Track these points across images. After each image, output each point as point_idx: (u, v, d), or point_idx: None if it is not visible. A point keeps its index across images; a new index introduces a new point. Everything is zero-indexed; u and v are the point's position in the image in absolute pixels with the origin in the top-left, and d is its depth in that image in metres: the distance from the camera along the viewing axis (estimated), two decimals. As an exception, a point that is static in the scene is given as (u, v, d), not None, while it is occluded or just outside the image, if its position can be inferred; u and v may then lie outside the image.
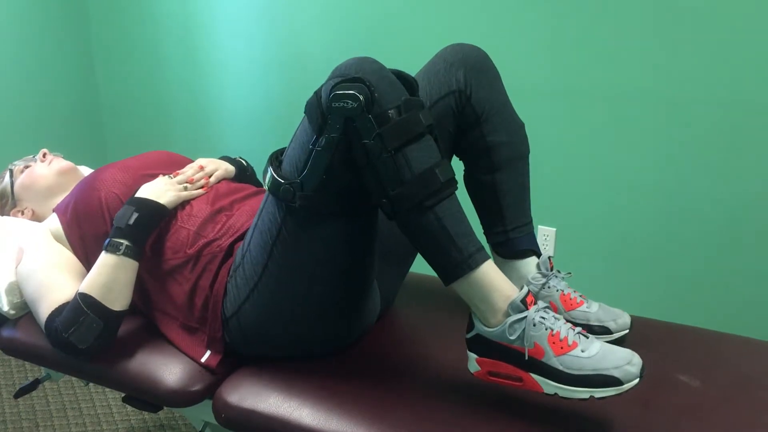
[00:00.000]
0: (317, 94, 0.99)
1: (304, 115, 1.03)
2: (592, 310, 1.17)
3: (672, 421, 0.99)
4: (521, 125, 1.24)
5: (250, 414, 1.07)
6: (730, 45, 1.65)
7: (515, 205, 1.23)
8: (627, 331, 1.17)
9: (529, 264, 1.22)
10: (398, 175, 0.95)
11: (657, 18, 1.72)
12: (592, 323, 1.16)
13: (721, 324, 1.41)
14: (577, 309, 1.17)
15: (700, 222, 1.79)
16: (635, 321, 1.20)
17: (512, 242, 1.22)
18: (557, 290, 1.19)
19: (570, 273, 1.23)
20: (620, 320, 1.17)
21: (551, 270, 1.21)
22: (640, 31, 1.75)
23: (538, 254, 1.23)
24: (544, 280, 1.19)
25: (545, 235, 2.05)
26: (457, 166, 1.16)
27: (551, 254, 2.02)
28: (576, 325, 1.17)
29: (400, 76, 1.02)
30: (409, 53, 1.67)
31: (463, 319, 1.03)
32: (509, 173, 1.21)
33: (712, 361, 1.15)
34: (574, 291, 1.20)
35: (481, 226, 1.25)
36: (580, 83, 1.87)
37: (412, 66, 1.24)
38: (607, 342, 1.16)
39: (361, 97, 0.94)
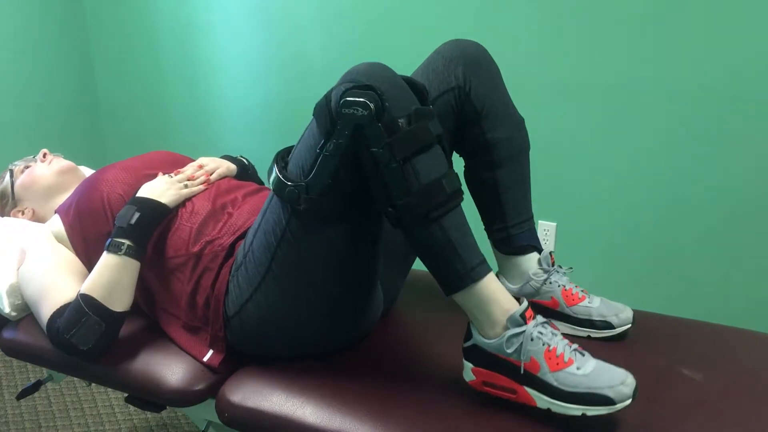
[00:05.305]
0: (327, 97, 0.98)
1: (312, 117, 1.02)
2: (594, 305, 1.17)
3: (675, 414, 0.99)
4: (521, 121, 1.23)
5: (254, 413, 1.07)
6: (729, 38, 1.64)
7: (516, 202, 1.22)
8: (629, 325, 1.17)
9: (531, 260, 1.22)
10: (405, 185, 0.95)
11: (657, 11, 1.72)
12: (594, 318, 1.16)
13: (723, 317, 1.41)
14: (579, 304, 1.17)
15: (701, 215, 1.79)
16: (637, 315, 1.19)
17: (513, 238, 1.22)
18: (559, 285, 1.19)
19: (571, 268, 1.23)
20: (622, 315, 1.17)
21: (552, 265, 1.21)
22: (640, 25, 1.75)
23: (539, 250, 1.23)
24: (545, 276, 1.19)
25: (546, 230, 2.05)
26: (457, 162, 1.16)
27: (552, 249, 2.02)
28: (578, 320, 1.17)
29: (411, 83, 1.01)
30: (407, 51, 1.67)
31: (466, 317, 1.03)
32: (510, 170, 1.21)
33: (715, 355, 1.15)
34: (576, 286, 1.20)
35: (481, 222, 1.24)
36: (581, 77, 1.87)
37: (411, 63, 1.24)
38: (610, 338, 1.17)
39: (372, 106, 0.93)
